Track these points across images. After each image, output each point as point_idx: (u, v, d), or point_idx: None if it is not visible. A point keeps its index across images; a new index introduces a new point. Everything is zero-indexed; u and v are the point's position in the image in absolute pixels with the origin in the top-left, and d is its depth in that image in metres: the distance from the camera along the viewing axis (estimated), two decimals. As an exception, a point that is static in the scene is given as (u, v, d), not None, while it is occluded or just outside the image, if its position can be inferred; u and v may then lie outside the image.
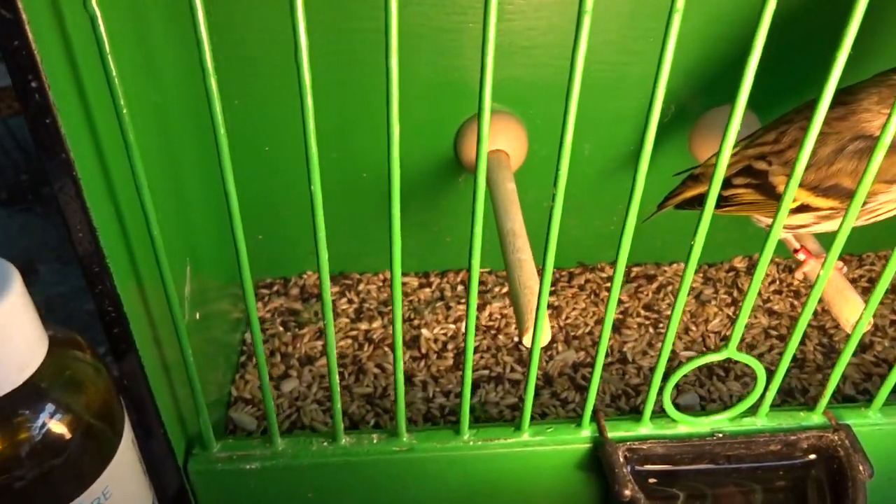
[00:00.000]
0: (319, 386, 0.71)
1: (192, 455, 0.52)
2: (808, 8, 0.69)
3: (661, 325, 0.78)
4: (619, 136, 0.76)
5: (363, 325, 0.77)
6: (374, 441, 0.53)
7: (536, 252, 0.84)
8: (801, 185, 0.54)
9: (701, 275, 0.85)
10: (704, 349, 0.76)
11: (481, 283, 0.83)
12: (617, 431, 0.54)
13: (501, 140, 0.71)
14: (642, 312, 0.80)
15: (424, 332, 0.76)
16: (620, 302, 0.81)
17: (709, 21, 0.69)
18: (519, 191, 0.76)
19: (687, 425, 0.54)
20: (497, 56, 0.72)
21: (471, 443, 0.53)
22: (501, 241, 0.61)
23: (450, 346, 0.75)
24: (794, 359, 0.75)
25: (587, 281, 0.84)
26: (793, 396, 0.72)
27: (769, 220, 0.58)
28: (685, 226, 0.60)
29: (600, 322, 0.78)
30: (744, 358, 0.51)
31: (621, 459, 0.51)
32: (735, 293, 0.83)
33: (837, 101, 0.54)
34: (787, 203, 0.42)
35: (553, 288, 0.83)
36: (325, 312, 0.46)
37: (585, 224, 0.84)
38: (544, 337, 0.52)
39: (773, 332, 0.78)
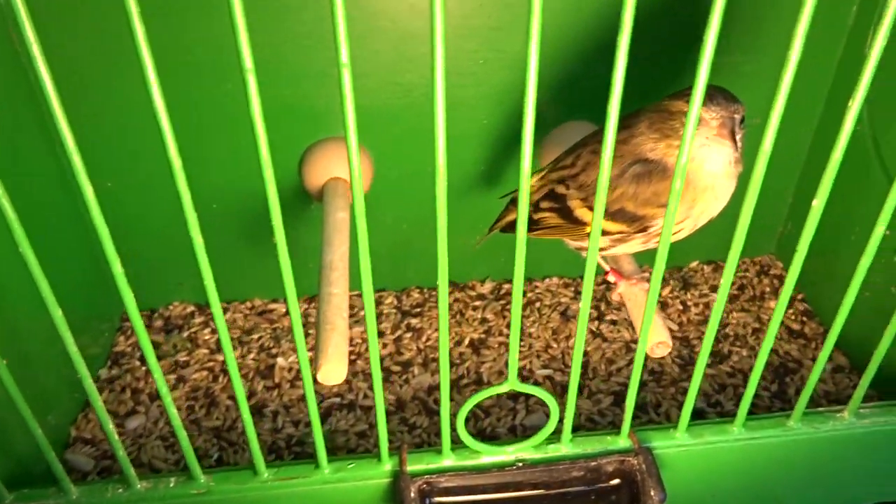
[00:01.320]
0: (165, 421, 0.70)
1: (-16, 507, 0.52)
2: (659, 23, 0.69)
3: (521, 342, 0.78)
4: (466, 156, 0.76)
5: (221, 357, 0.77)
6: (171, 485, 0.52)
7: (398, 273, 0.85)
8: (592, 209, 0.54)
9: (572, 289, 0.85)
10: (563, 367, 0.76)
11: (349, 306, 0.83)
12: (419, 465, 0.54)
13: (341, 168, 0.71)
14: (505, 331, 0.79)
15: (280, 360, 0.76)
16: (485, 321, 0.81)
17: (569, 32, 0.69)
18: (373, 214, 0.76)
19: (490, 455, 0.54)
20: (329, 86, 0.72)
21: (269, 483, 0.53)
22: (320, 271, 0.61)
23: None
24: (652, 371, 0.75)
25: (455, 300, 0.84)
26: (645, 411, 0.71)
27: (576, 244, 0.58)
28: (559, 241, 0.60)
29: (461, 343, 0.78)
30: (527, 388, 0.51)
31: (412, 494, 0.51)
32: (603, 307, 0.82)
33: (623, 125, 0.53)
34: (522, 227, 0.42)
35: (419, 309, 0.82)
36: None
37: (453, 243, 0.83)
38: (337, 375, 0.52)
39: (635, 346, 0.77)
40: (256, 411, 0.71)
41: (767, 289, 0.84)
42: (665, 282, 0.85)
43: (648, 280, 0.59)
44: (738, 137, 0.47)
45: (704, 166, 0.49)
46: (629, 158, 0.51)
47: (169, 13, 0.64)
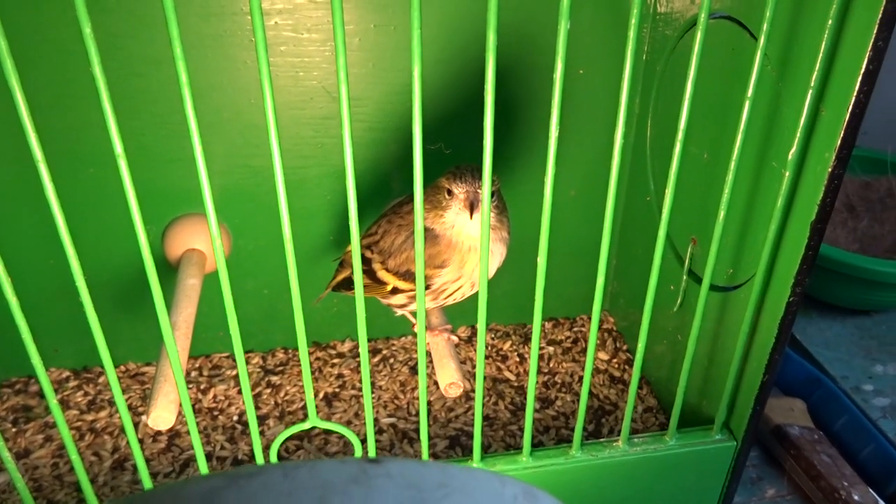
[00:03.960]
0: (30, 478, 0.75)
1: None
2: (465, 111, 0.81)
3: (372, 394, 0.86)
4: (315, 228, 0.85)
5: (90, 416, 0.82)
6: (10, 527, 0.58)
7: (266, 335, 0.92)
8: (388, 271, 0.63)
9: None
10: (407, 416, 0.84)
11: (215, 366, 0.90)
12: (240, 499, 0.60)
13: (199, 241, 0.79)
14: (357, 385, 0.87)
15: (143, 418, 0.82)
16: (340, 376, 0.89)
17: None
18: (235, 281, 0.84)
19: (305, 489, 0.61)
20: (184, 168, 0.81)
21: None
22: (166, 332, 0.68)
23: (164, 430, 0.81)
24: (486, 417, 0.83)
25: (316, 359, 0.91)
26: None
27: (385, 301, 0.67)
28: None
29: (315, 396, 0.86)
30: (328, 425, 0.59)
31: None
32: (450, 361, 0.91)
33: (409, 196, 0.64)
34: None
35: (281, 368, 0.90)
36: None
37: (313, 306, 0.92)
38: (165, 421, 0.59)
39: (472, 394, 0.86)
40: (119, 465, 0.77)
41: (598, 342, 0.94)
42: (508, 336, 0.95)
43: (451, 331, 0.69)
44: (483, 209, 0.57)
45: (464, 231, 0.59)
46: (413, 226, 0.61)
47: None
